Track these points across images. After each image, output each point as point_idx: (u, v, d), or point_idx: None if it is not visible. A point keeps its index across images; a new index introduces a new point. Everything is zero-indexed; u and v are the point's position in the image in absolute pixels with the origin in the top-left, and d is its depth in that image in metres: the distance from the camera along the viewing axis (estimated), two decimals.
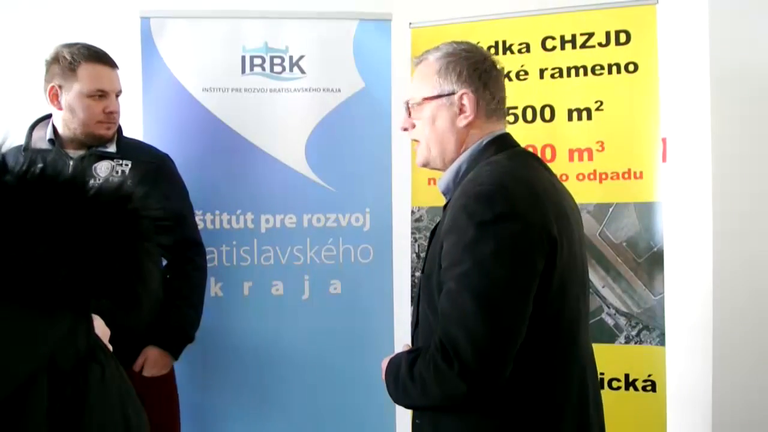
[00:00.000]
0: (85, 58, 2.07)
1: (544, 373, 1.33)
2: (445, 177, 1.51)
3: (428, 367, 1.30)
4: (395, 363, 1.43)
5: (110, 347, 0.85)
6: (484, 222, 1.27)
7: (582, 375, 1.41)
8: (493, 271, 1.25)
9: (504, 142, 1.48)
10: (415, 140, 1.55)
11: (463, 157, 1.46)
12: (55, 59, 2.08)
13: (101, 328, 0.94)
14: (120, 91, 2.16)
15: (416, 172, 2.64)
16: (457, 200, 1.34)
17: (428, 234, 2.59)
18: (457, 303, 1.26)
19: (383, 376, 1.47)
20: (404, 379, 1.37)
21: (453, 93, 1.46)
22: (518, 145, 1.50)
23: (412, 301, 2.62)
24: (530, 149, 2.05)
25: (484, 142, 1.46)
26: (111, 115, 2.12)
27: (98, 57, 2.10)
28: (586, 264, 1.50)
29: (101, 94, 2.09)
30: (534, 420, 1.33)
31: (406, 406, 1.49)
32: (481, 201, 1.29)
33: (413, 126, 1.53)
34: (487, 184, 1.32)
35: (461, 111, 1.46)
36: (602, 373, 2.19)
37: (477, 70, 1.46)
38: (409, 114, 1.54)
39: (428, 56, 1.52)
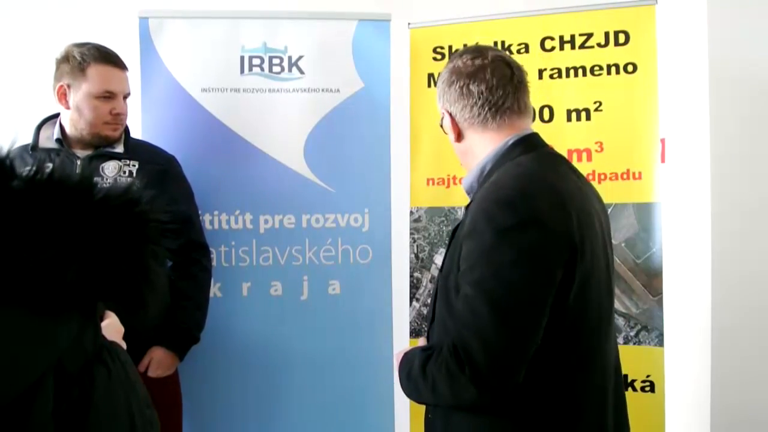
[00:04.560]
0: (94, 58, 2.08)
1: (560, 378, 1.31)
2: (469, 176, 1.49)
3: (440, 369, 1.29)
4: (409, 358, 1.42)
5: (124, 345, 0.85)
6: (504, 228, 1.25)
7: (602, 381, 1.39)
8: (510, 279, 1.24)
9: (531, 142, 1.45)
10: None
11: (488, 157, 1.45)
12: (65, 58, 2.09)
13: (116, 326, 0.94)
14: (128, 93, 2.18)
15: (415, 173, 2.64)
16: (479, 203, 1.33)
17: (426, 234, 2.62)
18: (472, 308, 1.25)
19: (397, 369, 1.48)
20: (416, 376, 1.37)
21: (442, 114, 1.52)
22: (546, 145, 1.48)
23: (410, 302, 2.63)
24: None
25: (510, 142, 1.44)
26: (118, 117, 2.13)
27: (108, 58, 2.11)
28: (612, 269, 1.47)
29: (109, 96, 2.10)
30: (549, 423, 1.31)
31: (418, 402, 1.48)
32: (502, 206, 1.27)
33: None
34: (509, 189, 1.30)
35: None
36: None
37: (453, 83, 1.48)
38: None
39: None
